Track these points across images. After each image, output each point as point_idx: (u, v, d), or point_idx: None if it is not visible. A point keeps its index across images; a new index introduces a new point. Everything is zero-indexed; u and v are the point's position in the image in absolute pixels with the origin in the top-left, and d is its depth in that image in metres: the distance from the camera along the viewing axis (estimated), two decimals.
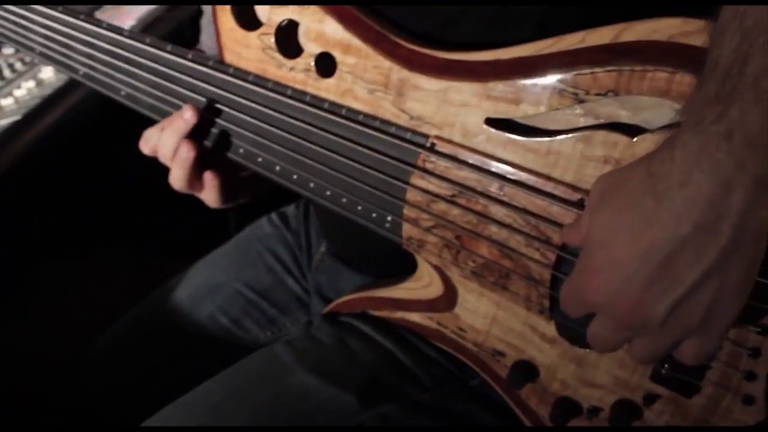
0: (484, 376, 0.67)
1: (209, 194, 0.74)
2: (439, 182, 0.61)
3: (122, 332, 0.92)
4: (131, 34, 0.74)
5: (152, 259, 1.20)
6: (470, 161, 0.60)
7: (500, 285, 0.62)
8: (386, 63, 0.62)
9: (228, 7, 0.68)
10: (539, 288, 0.60)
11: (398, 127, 0.62)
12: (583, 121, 0.55)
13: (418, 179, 0.62)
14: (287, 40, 0.67)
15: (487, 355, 0.66)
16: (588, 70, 0.54)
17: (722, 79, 0.42)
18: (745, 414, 0.56)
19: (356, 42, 0.63)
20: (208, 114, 0.71)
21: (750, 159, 0.41)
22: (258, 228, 0.97)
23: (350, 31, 0.63)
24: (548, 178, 0.57)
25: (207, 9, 0.95)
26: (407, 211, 0.64)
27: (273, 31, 0.67)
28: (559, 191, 0.56)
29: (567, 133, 0.56)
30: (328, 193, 0.67)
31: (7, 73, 1.13)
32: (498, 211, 0.59)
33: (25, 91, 1.08)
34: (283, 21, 0.66)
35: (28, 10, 0.80)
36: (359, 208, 0.66)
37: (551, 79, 0.55)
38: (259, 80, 0.68)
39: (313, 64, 0.66)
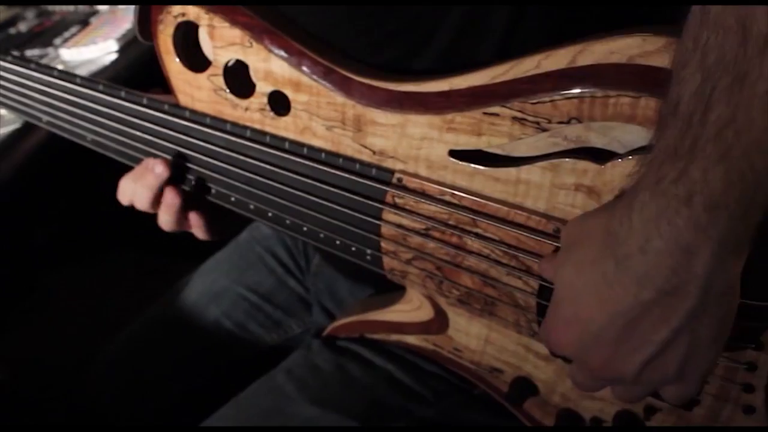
0: (487, 390, 0.68)
1: (197, 232, 0.75)
2: (412, 217, 0.60)
3: (130, 340, 0.96)
4: (83, 81, 0.73)
5: (158, 261, 1.23)
6: (438, 195, 0.58)
7: (487, 312, 0.62)
8: (339, 99, 0.60)
9: (172, 50, 0.66)
10: (527, 314, 0.60)
11: (362, 163, 0.61)
12: (551, 148, 0.53)
13: (390, 215, 0.62)
14: (237, 80, 0.65)
15: (486, 372, 0.67)
16: (547, 98, 0.51)
17: (683, 129, 0.40)
18: (748, 422, 0.56)
19: (305, 79, 0.61)
20: (178, 160, 0.71)
21: (711, 224, 0.39)
22: (256, 229, 0.98)
23: (297, 68, 0.61)
24: (520, 208, 0.56)
25: None
26: (385, 244, 0.63)
27: (221, 72, 0.65)
28: (532, 222, 0.55)
29: (534, 162, 0.54)
30: (305, 229, 0.67)
31: None
32: (474, 244, 0.59)
33: None
34: (229, 61, 0.64)
35: None
36: (338, 242, 0.66)
37: (510, 108, 0.53)
38: (217, 123, 0.67)
39: (266, 103, 0.64)
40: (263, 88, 0.63)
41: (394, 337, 0.71)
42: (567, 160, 0.52)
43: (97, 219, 1.25)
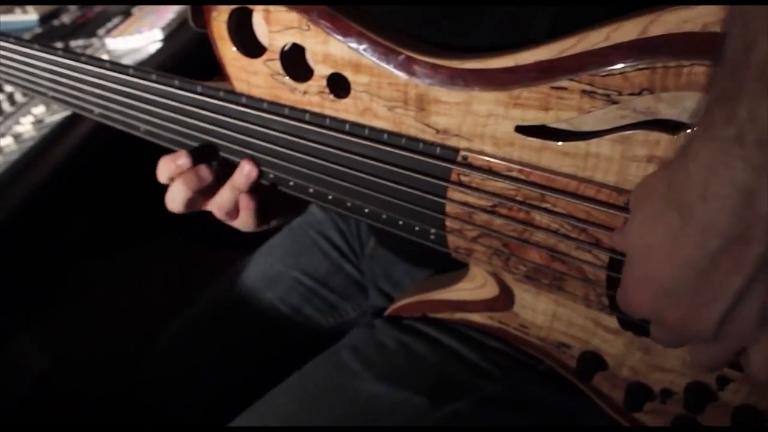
0: (553, 365, 0.70)
1: (245, 217, 0.76)
2: (477, 194, 0.62)
3: (187, 325, 1.00)
4: (136, 72, 0.75)
5: (195, 249, 1.26)
6: (505, 172, 0.60)
7: (556, 287, 0.64)
8: (401, 78, 0.61)
9: (226, 36, 0.68)
10: (596, 288, 0.61)
11: (425, 142, 0.63)
12: (619, 121, 0.55)
13: (455, 193, 0.63)
14: (295, 64, 0.67)
15: (553, 347, 0.69)
16: (617, 70, 0.52)
17: (728, 73, 0.41)
18: None
19: (365, 60, 0.62)
20: (233, 146, 0.73)
21: (766, 159, 0.40)
22: (310, 215, 1.01)
23: (357, 49, 0.62)
24: (590, 181, 0.57)
25: None
26: (450, 223, 0.65)
27: (278, 56, 0.66)
28: (602, 195, 0.57)
29: (604, 135, 0.55)
30: (367, 210, 0.69)
31: None
32: (542, 219, 0.60)
33: None
34: (285, 45, 0.66)
35: (28, 56, 0.81)
36: (400, 223, 0.68)
37: (578, 82, 0.54)
38: (275, 107, 0.69)
39: (325, 85, 0.66)
40: (322, 70, 0.65)
41: (458, 315, 0.73)
42: (639, 131, 0.54)
43: (131, 209, 1.28)
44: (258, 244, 1.04)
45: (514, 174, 0.60)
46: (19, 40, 0.82)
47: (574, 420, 0.72)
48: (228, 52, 0.70)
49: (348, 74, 0.64)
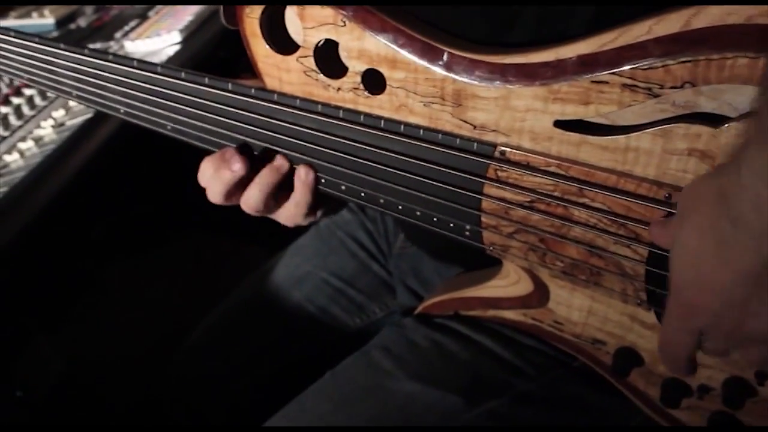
0: (588, 362, 0.71)
1: (293, 207, 0.75)
2: (515, 190, 0.63)
3: (213, 327, 1.01)
4: (164, 70, 0.76)
5: (219, 249, 1.27)
6: (543, 167, 0.61)
7: (593, 282, 0.65)
8: (438, 74, 0.63)
9: (258, 33, 0.69)
10: (634, 283, 0.62)
11: (462, 138, 0.64)
12: (658, 115, 0.56)
13: (491, 189, 0.65)
14: (329, 61, 0.68)
15: (588, 344, 0.70)
16: (659, 63, 0.54)
17: None
18: None
19: (402, 56, 0.64)
20: (264, 144, 0.74)
21: None
22: (337, 215, 1.02)
23: (393, 45, 0.63)
24: (629, 175, 0.58)
25: None
26: (485, 219, 0.67)
27: (311, 53, 0.68)
28: (642, 189, 0.58)
29: (644, 129, 0.57)
30: (400, 207, 0.71)
31: None
32: (580, 214, 0.62)
33: None
34: (319, 42, 0.67)
35: (52, 55, 0.83)
36: (435, 219, 0.69)
37: (620, 75, 0.55)
38: (307, 104, 0.70)
39: (360, 82, 0.67)
40: (356, 67, 0.66)
41: (491, 313, 0.75)
42: (680, 125, 0.55)
43: (153, 211, 1.30)
44: (280, 242, 1.05)
45: (553, 169, 0.61)
46: (43, 39, 0.84)
47: (609, 418, 0.73)
48: (260, 49, 0.71)
49: (384, 70, 0.65)
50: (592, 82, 0.57)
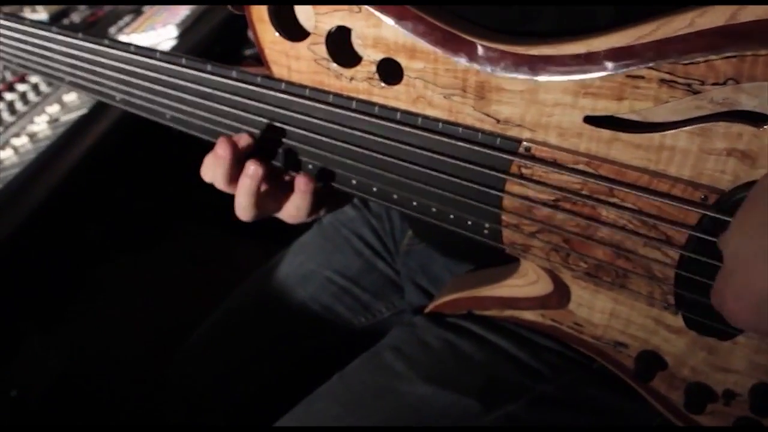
0: (608, 365, 0.69)
1: (293, 210, 0.71)
2: (539, 188, 0.60)
3: (217, 325, 0.97)
4: (164, 56, 0.72)
5: (225, 247, 1.24)
6: (571, 164, 0.58)
7: (618, 284, 0.62)
8: (460, 65, 0.59)
9: (266, 18, 0.65)
10: (663, 286, 0.60)
11: (485, 133, 0.61)
12: (694, 112, 0.53)
13: (514, 186, 0.61)
14: (342, 48, 0.64)
15: (609, 346, 0.67)
16: (701, 58, 0.50)
17: None
18: None
19: (421, 44, 0.60)
20: (270, 134, 0.70)
21: None
22: (341, 212, 0.98)
23: (412, 33, 0.59)
24: (663, 176, 0.55)
25: None
26: (506, 217, 0.63)
27: (323, 40, 0.64)
28: (677, 190, 0.55)
29: (680, 126, 0.53)
30: (415, 203, 0.67)
31: None
32: (609, 214, 0.58)
33: None
34: (332, 28, 0.63)
35: (45, 39, 0.78)
36: (452, 217, 0.66)
37: (657, 70, 0.52)
38: (317, 94, 0.66)
39: (375, 71, 0.63)
40: (372, 55, 0.62)
41: (508, 313, 0.72)
42: (719, 123, 0.52)
43: (150, 208, 1.26)
44: (278, 240, 1.02)
45: (581, 167, 0.58)
46: (35, 23, 0.79)
47: (629, 420, 0.71)
48: (268, 35, 0.67)
49: (401, 60, 0.61)
50: (628, 76, 0.53)
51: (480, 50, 0.58)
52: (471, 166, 0.62)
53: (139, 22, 1.33)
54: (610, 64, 0.54)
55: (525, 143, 0.59)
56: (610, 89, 0.54)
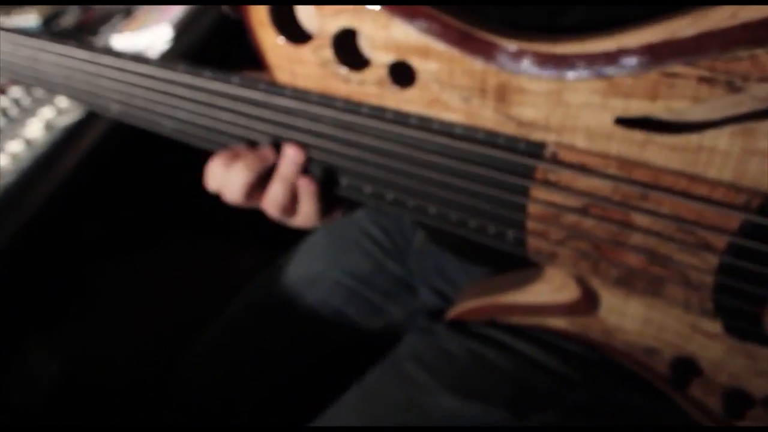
0: (640, 371, 0.65)
1: (306, 207, 0.66)
2: (566, 193, 0.56)
3: (223, 331, 0.93)
4: (160, 63, 0.67)
5: (213, 250, 1.20)
6: (601, 169, 0.53)
7: (651, 291, 0.58)
8: (478, 65, 0.54)
9: (267, 21, 0.60)
10: (700, 292, 0.55)
11: (507, 137, 0.56)
12: (733, 109, 0.48)
13: (539, 192, 0.57)
14: (350, 51, 0.59)
15: (640, 352, 0.63)
16: (746, 53, 0.46)
17: None
18: None
19: (436, 45, 0.55)
20: (274, 142, 0.65)
21: None
22: None
23: (425, 32, 0.54)
24: (702, 179, 0.51)
25: None
26: (531, 224, 0.59)
27: (329, 42, 0.59)
28: (717, 194, 0.50)
29: (721, 126, 0.49)
30: (432, 211, 0.63)
31: None
32: (642, 220, 0.54)
33: None
34: (338, 30, 0.58)
35: (37, 49, 0.73)
36: (472, 225, 0.62)
37: (696, 67, 0.47)
38: (325, 100, 0.62)
39: (386, 74, 0.58)
40: (382, 58, 0.58)
41: (533, 319, 0.67)
42: (764, 122, 0.47)
43: (149, 211, 1.22)
44: (279, 243, 0.97)
45: (612, 171, 0.53)
46: (26, 32, 0.73)
47: (664, 422, 0.67)
48: (269, 39, 0.62)
49: (414, 61, 0.56)
50: (663, 74, 0.49)
51: (500, 49, 0.53)
52: (493, 172, 0.57)
53: (133, 22, 1.27)
54: (643, 62, 0.49)
55: (551, 147, 0.55)
56: (644, 88, 0.50)
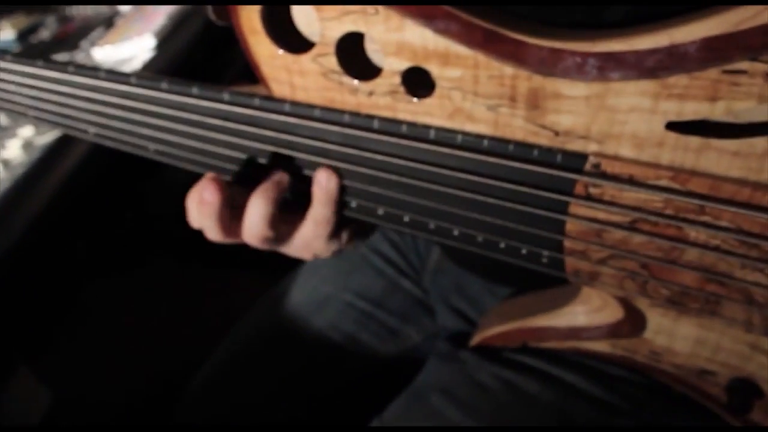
0: (691, 394, 0.59)
1: (311, 226, 0.58)
2: (611, 208, 0.49)
3: (227, 361, 0.86)
4: (141, 81, 0.59)
5: (202, 270, 1.12)
6: (651, 180, 0.47)
7: (708, 311, 0.51)
8: (507, 70, 0.47)
9: (261, 29, 0.53)
10: (764, 311, 0.49)
11: (541, 149, 0.49)
12: None
13: (580, 208, 0.50)
14: (357, 58, 0.52)
15: (692, 375, 0.57)
16: None
17: None
18: None
19: (457, 48, 0.48)
20: (273, 164, 0.58)
21: None
22: None
23: (444, 35, 0.47)
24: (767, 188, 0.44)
25: None
26: (570, 243, 0.52)
27: (333, 50, 0.51)
28: None
29: None
30: (456, 233, 0.56)
31: None
32: (699, 235, 0.48)
33: None
34: (343, 35, 0.50)
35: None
36: (502, 246, 0.55)
37: (765, 62, 0.41)
38: (331, 114, 0.54)
39: (400, 83, 0.51)
40: (395, 65, 0.50)
41: (570, 344, 0.61)
42: None
43: (136, 232, 1.14)
44: (285, 263, 0.90)
45: (664, 182, 0.47)
46: None
47: None
48: (263, 48, 0.54)
49: (432, 68, 0.49)
50: (725, 72, 0.42)
51: (532, 50, 0.46)
52: (526, 189, 0.51)
53: (113, 34, 1.18)
54: (700, 58, 0.42)
55: (592, 158, 0.48)
56: (702, 88, 0.43)
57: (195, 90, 0.58)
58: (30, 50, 1.23)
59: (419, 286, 0.82)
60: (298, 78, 0.55)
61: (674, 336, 0.56)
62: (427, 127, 0.52)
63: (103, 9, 1.33)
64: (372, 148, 0.54)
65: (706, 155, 0.45)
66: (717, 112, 0.44)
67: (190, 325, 1.02)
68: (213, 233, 0.58)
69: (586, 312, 0.59)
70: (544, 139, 0.49)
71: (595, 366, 0.62)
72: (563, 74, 0.46)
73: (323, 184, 0.56)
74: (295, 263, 0.90)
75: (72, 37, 1.24)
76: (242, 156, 0.60)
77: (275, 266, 0.90)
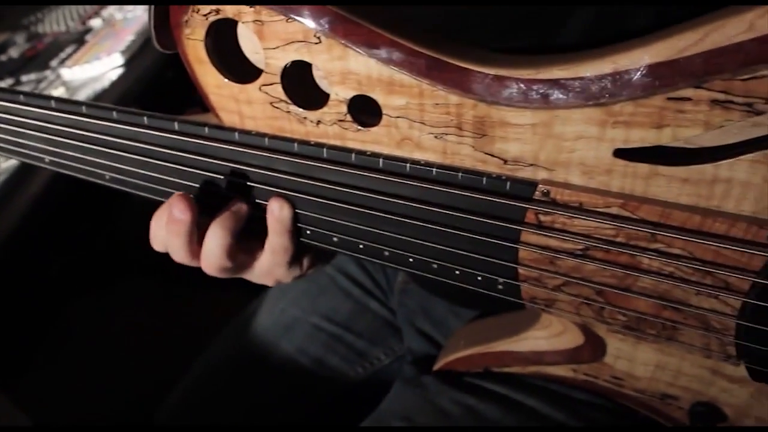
0: (655, 417, 0.57)
1: (269, 255, 0.57)
2: (562, 236, 0.47)
3: (193, 388, 0.84)
4: (92, 110, 0.58)
5: (177, 288, 1.11)
6: (601, 208, 0.45)
7: (665, 337, 0.50)
8: (452, 98, 0.46)
9: (206, 59, 0.51)
10: (722, 337, 0.48)
11: (490, 177, 0.47)
12: (750, 133, 0.41)
13: (531, 236, 0.49)
14: (303, 86, 0.51)
15: (654, 398, 0.56)
16: (766, 71, 0.38)
17: None
18: None
19: (402, 77, 0.46)
20: (227, 192, 0.56)
21: None
22: None
23: (387, 63, 0.46)
24: (718, 214, 0.43)
25: None
26: (524, 271, 0.51)
27: (278, 79, 0.50)
28: (737, 230, 0.43)
29: (739, 153, 0.41)
30: (412, 260, 0.54)
31: None
32: (652, 262, 0.46)
33: None
34: (287, 64, 0.49)
35: None
36: (457, 273, 0.53)
37: (708, 89, 0.39)
38: (280, 143, 0.53)
39: (346, 112, 0.49)
40: (341, 93, 0.49)
41: (532, 369, 0.59)
42: None
43: (111, 245, 1.12)
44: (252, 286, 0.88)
45: (614, 210, 0.45)
46: None
47: None
48: (210, 78, 0.53)
49: (378, 96, 0.48)
50: (669, 99, 0.41)
51: (476, 77, 0.45)
52: (476, 218, 0.49)
53: (82, 53, 1.17)
54: (645, 85, 0.41)
55: (542, 186, 0.46)
56: (647, 116, 0.42)
57: (145, 120, 0.56)
58: None
59: (387, 306, 0.80)
60: (246, 107, 0.53)
61: (634, 361, 0.54)
62: (376, 155, 0.50)
63: (76, 26, 1.32)
64: (322, 178, 0.53)
65: (656, 182, 0.44)
66: (664, 138, 0.42)
67: (166, 346, 1.00)
68: (180, 254, 0.56)
69: (547, 337, 0.57)
70: (492, 167, 0.48)
71: (558, 390, 0.60)
72: (508, 102, 0.45)
73: (276, 214, 0.54)
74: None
75: (42, 56, 1.22)
76: (197, 185, 0.58)
77: (247, 284, 0.88)
